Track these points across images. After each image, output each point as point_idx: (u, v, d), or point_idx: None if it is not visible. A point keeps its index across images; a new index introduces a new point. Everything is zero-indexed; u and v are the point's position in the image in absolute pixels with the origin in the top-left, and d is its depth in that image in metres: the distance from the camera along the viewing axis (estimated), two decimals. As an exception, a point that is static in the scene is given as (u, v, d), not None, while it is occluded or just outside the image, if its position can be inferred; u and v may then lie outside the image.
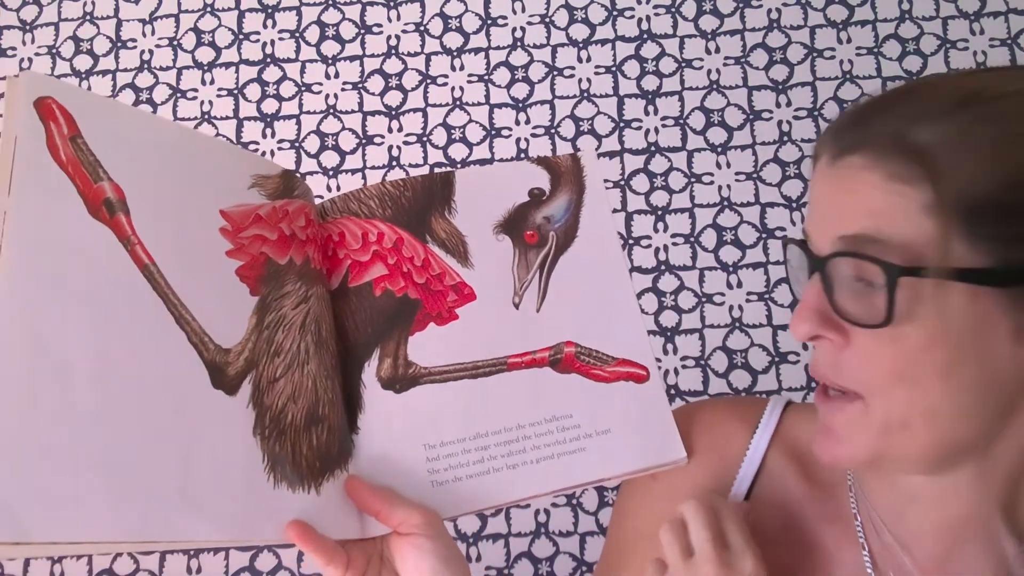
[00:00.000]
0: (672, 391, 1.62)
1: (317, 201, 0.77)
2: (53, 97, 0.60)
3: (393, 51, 1.84)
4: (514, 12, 1.85)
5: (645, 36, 1.81)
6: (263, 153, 1.79)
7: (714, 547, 0.65)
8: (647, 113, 1.76)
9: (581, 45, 1.82)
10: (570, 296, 0.78)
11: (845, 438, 0.61)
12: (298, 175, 0.74)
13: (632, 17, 1.83)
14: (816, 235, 0.60)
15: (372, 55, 1.84)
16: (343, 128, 1.80)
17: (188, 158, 0.67)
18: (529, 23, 1.84)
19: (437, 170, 1.76)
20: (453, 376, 0.74)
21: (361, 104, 1.82)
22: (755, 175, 1.71)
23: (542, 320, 0.77)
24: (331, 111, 1.81)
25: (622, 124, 1.76)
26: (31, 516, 0.51)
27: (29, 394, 0.53)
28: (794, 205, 1.68)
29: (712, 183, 1.71)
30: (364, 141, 1.79)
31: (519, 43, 1.83)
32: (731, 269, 1.67)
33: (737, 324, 1.64)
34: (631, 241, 1.69)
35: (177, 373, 0.61)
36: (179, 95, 1.85)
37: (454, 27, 1.85)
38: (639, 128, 1.75)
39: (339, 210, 0.77)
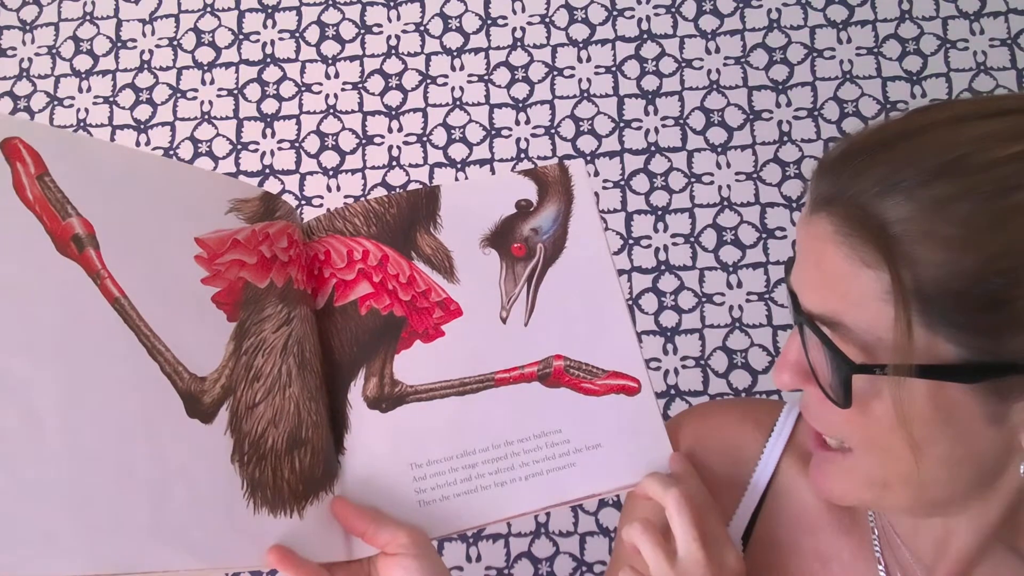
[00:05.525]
0: (672, 391, 1.62)
1: (309, 214, 0.76)
2: (19, 137, 0.60)
3: (393, 51, 1.84)
4: (514, 12, 1.84)
5: (645, 36, 1.80)
6: (263, 154, 1.79)
7: (702, 546, 0.64)
8: (647, 113, 1.75)
9: (581, 45, 1.81)
10: (559, 308, 0.77)
11: (833, 482, 0.62)
12: (280, 196, 0.74)
13: (632, 17, 1.82)
14: (797, 290, 0.58)
15: (372, 55, 1.84)
16: (343, 128, 1.80)
17: (161, 188, 0.67)
18: (529, 23, 1.83)
19: (436, 171, 1.76)
20: (440, 394, 0.74)
21: (361, 104, 1.81)
22: (755, 175, 1.70)
23: (530, 334, 0.76)
24: (331, 111, 1.81)
25: (622, 124, 1.75)
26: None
27: None
28: (794, 205, 1.67)
29: (712, 183, 1.70)
30: (364, 141, 1.79)
31: (519, 43, 1.82)
32: (731, 269, 1.66)
33: (737, 324, 1.64)
34: (631, 241, 1.69)
35: (150, 404, 0.61)
36: (179, 95, 1.85)
37: (454, 27, 1.84)
38: (639, 128, 1.75)
39: (324, 228, 0.76)
